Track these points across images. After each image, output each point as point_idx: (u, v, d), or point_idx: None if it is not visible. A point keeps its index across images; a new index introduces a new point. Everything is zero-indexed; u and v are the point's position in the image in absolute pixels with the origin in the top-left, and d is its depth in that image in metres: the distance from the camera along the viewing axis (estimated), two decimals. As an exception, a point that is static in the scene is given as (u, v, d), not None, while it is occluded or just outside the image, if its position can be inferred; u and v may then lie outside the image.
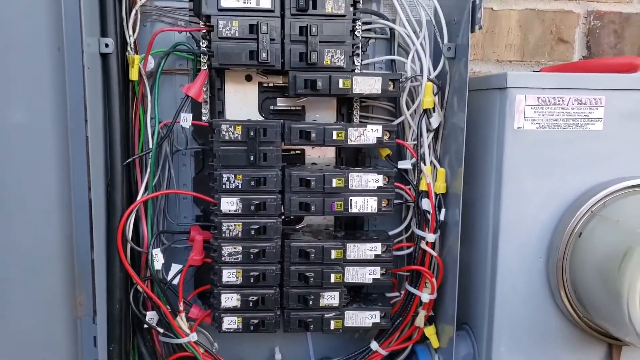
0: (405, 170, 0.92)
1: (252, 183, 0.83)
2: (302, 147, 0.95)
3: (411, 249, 0.94)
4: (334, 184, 0.84)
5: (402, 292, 0.96)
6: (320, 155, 0.97)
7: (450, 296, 0.89)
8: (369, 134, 0.86)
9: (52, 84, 0.78)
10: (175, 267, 0.91)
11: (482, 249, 0.89)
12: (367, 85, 0.85)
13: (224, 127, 0.82)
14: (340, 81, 0.83)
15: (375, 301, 0.94)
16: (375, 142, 0.86)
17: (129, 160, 0.86)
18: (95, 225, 0.81)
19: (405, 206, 0.97)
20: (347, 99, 0.94)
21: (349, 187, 0.86)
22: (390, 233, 0.96)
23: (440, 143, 0.93)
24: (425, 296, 0.90)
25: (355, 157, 0.96)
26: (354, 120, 0.94)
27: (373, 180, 0.86)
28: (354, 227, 0.98)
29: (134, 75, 0.86)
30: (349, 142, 0.85)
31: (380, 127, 0.86)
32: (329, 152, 0.97)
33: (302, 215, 0.91)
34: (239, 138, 0.83)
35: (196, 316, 0.93)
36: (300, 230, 0.94)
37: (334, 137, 0.84)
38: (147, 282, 0.89)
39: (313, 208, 0.84)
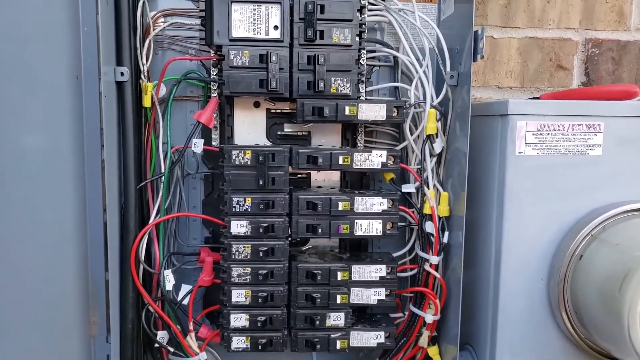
0: (409, 194, 0.95)
1: (261, 206, 0.86)
2: (309, 171, 0.98)
3: (415, 271, 0.96)
4: (339, 207, 0.87)
5: (406, 312, 0.98)
6: (325, 178, 1.00)
7: (453, 317, 0.91)
8: (373, 159, 0.89)
9: (71, 110, 0.81)
10: (185, 288, 0.93)
11: (485, 271, 0.91)
12: (372, 111, 0.88)
13: (234, 152, 0.86)
14: (347, 108, 0.86)
15: (379, 322, 0.95)
16: (380, 166, 0.89)
17: (142, 184, 0.89)
18: (110, 247, 0.84)
19: (409, 229, 0.99)
20: (353, 124, 0.97)
21: (355, 210, 0.89)
22: (395, 255, 0.98)
23: (443, 167, 0.96)
24: (429, 317, 0.92)
25: (360, 181, 0.99)
26: (359, 145, 0.97)
27: (378, 203, 0.89)
28: (358, 249, 1.01)
29: (147, 102, 0.90)
30: (354, 167, 0.88)
31: (384, 152, 0.89)
32: (334, 176, 1.00)
33: (308, 237, 0.93)
34: (249, 163, 0.86)
35: (205, 335, 0.95)
36: (307, 252, 0.97)
37: (340, 161, 0.87)
38: (158, 302, 0.91)
39: (320, 230, 0.87)
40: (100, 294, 0.87)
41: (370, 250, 1.03)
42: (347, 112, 0.86)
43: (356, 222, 0.89)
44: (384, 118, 0.89)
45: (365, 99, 0.92)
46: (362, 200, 0.89)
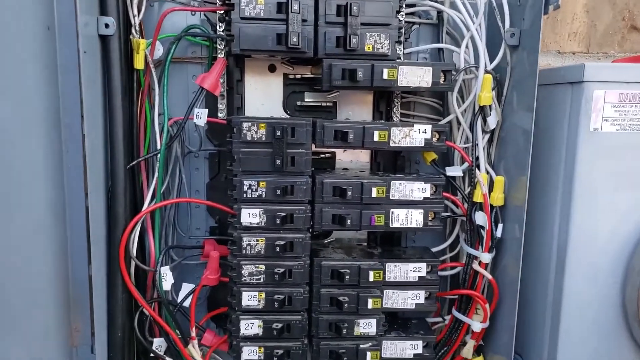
0: (453, 179, 0.79)
1: (278, 191, 0.70)
2: (334, 149, 0.83)
3: (455, 270, 0.82)
4: (373, 194, 0.71)
5: (446, 317, 0.83)
6: (353, 159, 0.84)
7: (505, 325, 0.77)
8: (415, 135, 0.73)
9: (41, 71, 0.65)
10: (186, 287, 0.79)
11: (543, 271, 0.76)
12: (415, 76, 0.72)
13: (245, 125, 0.70)
14: (385, 71, 0.70)
15: (416, 328, 0.81)
16: (422, 144, 0.73)
17: (134, 163, 0.74)
18: (94, 240, 0.69)
19: (451, 220, 0.84)
20: (387, 93, 0.81)
21: (391, 198, 0.73)
22: (433, 250, 0.83)
23: (495, 147, 0.80)
24: (477, 325, 0.77)
25: (393, 162, 0.83)
26: (394, 119, 0.81)
27: (419, 189, 0.73)
28: (390, 242, 0.85)
29: (139, 63, 0.73)
30: (391, 145, 0.72)
31: (429, 127, 0.73)
32: (363, 156, 0.84)
33: (334, 229, 0.78)
34: (263, 138, 0.70)
35: (210, 343, 0.80)
36: (330, 246, 0.82)
37: (375, 138, 0.71)
38: (153, 305, 0.77)
39: (349, 222, 0.71)
40: (83, 296, 0.72)
41: (403, 244, 0.88)
42: (385, 76, 0.70)
43: (392, 212, 0.73)
44: (429, 85, 0.72)
45: (408, 61, 0.76)
46: (399, 186, 0.73)
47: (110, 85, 0.70)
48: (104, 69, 0.70)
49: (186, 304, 0.78)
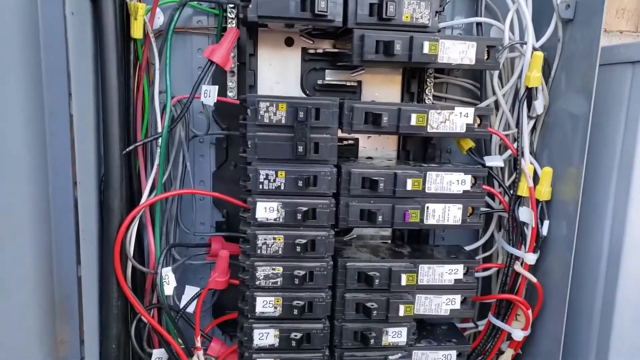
0: (492, 170, 0.71)
1: (300, 183, 0.61)
2: (357, 135, 0.73)
3: (490, 271, 0.73)
4: (408, 186, 0.62)
5: (479, 323, 0.75)
6: (378, 146, 0.75)
7: (549, 333, 0.69)
8: (456, 120, 0.64)
9: (18, 35, 0.54)
10: (190, 290, 0.69)
11: (591, 274, 0.68)
12: (457, 52, 0.62)
13: (263, 105, 0.60)
14: (426, 45, 0.60)
15: (447, 336, 0.72)
16: (464, 130, 0.64)
17: (131, 148, 0.63)
18: (84, 238, 0.59)
19: (484, 216, 0.75)
20: (419, 73, 0.71)
21: (426, 191, 0.64)
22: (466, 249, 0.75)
23: (538, 134, 0.71)
24: (519, 333, 0.69)
25: (423, 151, 0.74)
26: (426, 101, 0.72)
27: (458, 182, 0.65)
28: (417, 240, 0.77)
29: (137, 31, 0.63)
30: (429, 130, 0.63)
31: (471, 111, 0.64)
32: (390, 143, 0.75)
33: (362, 227, 0.68)
34: (283, 121, 0.60)
35: (217, 353, 0.71)
36: (353, 244, 0.72)
37: (412, 122, 0.61)
38: (153, 311, 0.67)
39: (380, 218, 0.62)
40: (71, 301, 0.62)
41: (431, 241, 0.79)
42: (425, 51, 0.60)
43: (427, 207, 0.64)
44: (472, 62, 0.63)
45: (450, 35, 0.66)
46: (436, 178, 0.64)
47: (104, 55, 0.59)
48: (96, 37, 0.60)
49: (190, 309, 0.68)
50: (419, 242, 0.76)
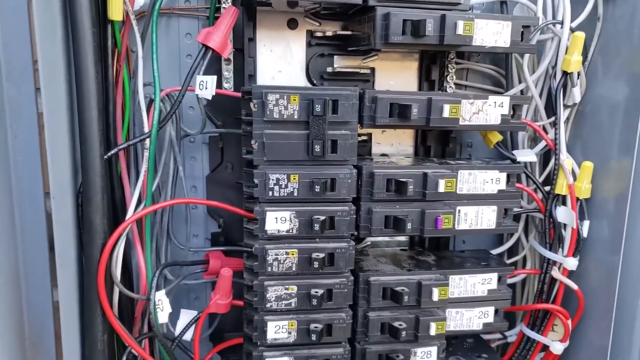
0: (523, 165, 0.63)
1: (317, 187, 0.52)
2: (369, 131, 0.65)
3: (518, 277, 0.66)
4: (440, 188, 0.54)
5: (507, 333, 0.68)
6: (393, 142, 0.66)
7: (591, 345, 0.62)
8: (490, 111, 0.56)
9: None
10: (186, 315, 0.59)
11: (631, 281, 0.62)
12: (491, 33, 0.54)
13: (272, 98, 0.51)
14: (460, 25, 0.52)
15: (476, 351, 0.66)
16: (498, 122, 0.57)
17: (113, 152, 0.53)
18: (62, 261, 0.49)
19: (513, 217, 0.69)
20: (439, 58, 0.64)
21: (458, 192, 0.56)
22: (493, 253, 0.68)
23: (571, 125, 0.64)
24: (558, 346, 0.63)
25: (442, 146, 0.67)
26: (447, 90, 0.64)
27: (493, 180, 0.57)
28: (437, 246, 0.69)
29: (115, 12, 0.53)
30: (461, 123, 0.55)
31: (507, 100, 0.56)
32: (405, 138, 0.67)
33: (388, 236, 0.60)
34: (296, 116, 0.51)
35: (219, 385, 0.62)
36: (370, 254, 0.64)
37: (445, 114, 0.53)
38: (144, 342, 0.57)
39: (409, 226, 0.54)
40: (46, 338, 0.52)
41: (451, 246, 0.72)
42: (459, 31, 0.52)
43: (459, 211, 0.57)
44: (507, 45, 0.56)
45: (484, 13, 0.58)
46: (469, 177, 0.57)
47: (78, 41, 0.49)
48: (66, 18, 0.49)
49: (187, 337, 0.59)
50: (439, 248, 0.68)
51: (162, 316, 0.56)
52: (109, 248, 0.52)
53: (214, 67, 0.61)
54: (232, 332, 0.66)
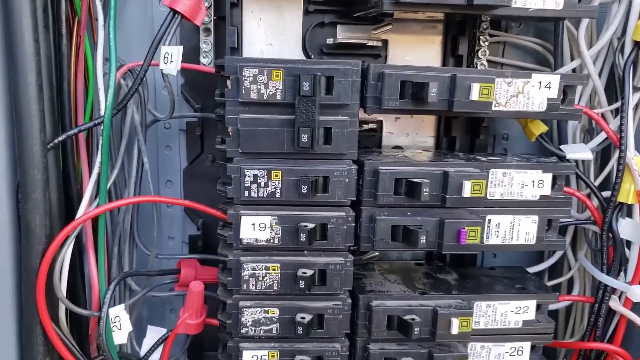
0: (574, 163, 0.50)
1: (304, 188, 0.41)
2: (380, 117, 0.53)
3: (561, 304, 0.54)
4: (465, 192, 0.42)
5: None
6: (409, 131, 0.54)
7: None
8: (533, 93, 0.43)
9: None
10: (153, 333, 0.50)
11: None
12: (535, -7, 0.42)
13: (248, 73, 0.40)
14: (495, -20, 0.39)
15: (506, 392, 0.53)
16: (544, 108, 0.44)
17: (59, 139, 0.44)
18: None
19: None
20: (469, 29, 0.51)
21: (488, 197, 0.44)
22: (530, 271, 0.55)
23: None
24: (614, 395, 0.50)
25: (471, 138, 0.54)
26: (478, 67, 0.51)
27: (534, 183, 0.45)
28: (460, 260, 0.57)
29: (66, -31, 0.43)
30: (494, 108, 0.43)
31: (556, 79, 0.43)
32: (424, 127, 0.55)
33: (394, 250, 0.49)
34: (279, 96, 0.41)
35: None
36: (376, 269, 0.53)
37: (474, 96, 0.41)
38: (100, 366, 0.48)
39: (422, 239, 0.42)
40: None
41: (478, 261, 0.59)
42: (494, -12, 0.40)
43: (489, 221, 0.45)
44: (559, 7, 0.43)
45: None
46: (503, 178, 0.44)
47: (8, 2, 0.39)
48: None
49: (154, 358, 0.50)
50: (463, 263, 0.56)
51: (119, 336, 0.46)
52: (51, 255, 0.43)
53: (192, 39, 0.51)
54: (212, 351, 0.56)
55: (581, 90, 0.51)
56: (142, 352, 0.50)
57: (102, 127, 0.44)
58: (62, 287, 0.44)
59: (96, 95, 0.47)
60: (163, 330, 0.50)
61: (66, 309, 0.45)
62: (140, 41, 0.52)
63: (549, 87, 0.43)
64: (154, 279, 0.51)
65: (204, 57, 0.50)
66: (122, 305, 0.47)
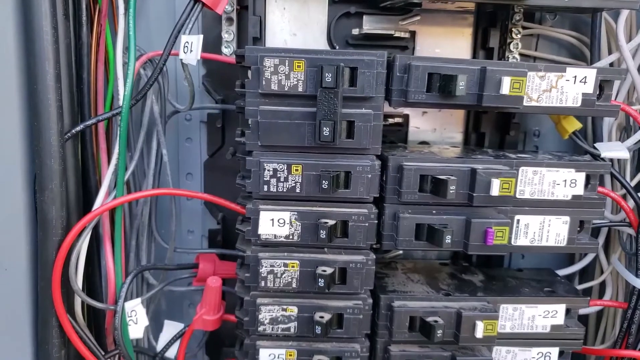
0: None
1: (324, 183, 0.40)
2: (406, 112, 0.52)
3: (588, 309, 0.51)
4: (494, 191, 0.40)
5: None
6: (437, 126, 0.53)
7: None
8: (567, 88, 0.41)
9: None
10: (170, 327, 0.49)
11: None
12: (575, -22, 0.39)
13: (269, 63, 0.39)
14: (533, -35, 0.37)
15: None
16: (579, 103, 0.42)
17: (76, 129, 0.43)
18: (8, 265, 0.40)
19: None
20: (499, 19, 0.49)
21: (517, 196, 0.42)
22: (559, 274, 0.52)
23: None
24: (647, 407, 0.47)
25: (501, 134, 0.52)
26: (509, 61, 0.49)
27: (567, 182, 0.42)
28: (487, 261, 0.55)
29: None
30: (526, 103, 0.41)
31: (592, 73, 0.41)
32: (452, 122, 0.53)
33: (418, 249, 0.47)
34: (300, 88, 0.39)
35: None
36: (399, 268, 0.51)
37: (504, 89, 0.39)
38: (116, 359, 0.47)
39: (448, 239, 0.40)
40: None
41: (505, 262, 0.57)
42: (532, -25, 0.38)
43: (518, 221, 0.43)
44: (602, -5, 0.40)
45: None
46: (534, 176, 0.42)
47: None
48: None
49: (171, 354, 0.49)
50: (489, 263, 0.54)
51: (135, 330, 0.46)
52: (67, 246, 0.42)
53: (214, 29, 0.50)
54: (231, 347, 0.55)
55: (619, 85, 0.49)
56: (159, 347, 0.50)
57: (120, 118, 0.44)
58: (78, 280, 0.43)
59: (116, 86, 0.46)
60: (180, 325, 0.50)
61: (82, 302, 0.45)
62: (162, 31, 0.51)
63: (585, 82, 0.41)
64: (172, 273, 0.50)
65: (225, 47, 0.48)
66: (139, 299, 0.46)
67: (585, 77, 0.41)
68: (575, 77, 0.41)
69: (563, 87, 0.41)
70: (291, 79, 0.39)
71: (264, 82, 0.39)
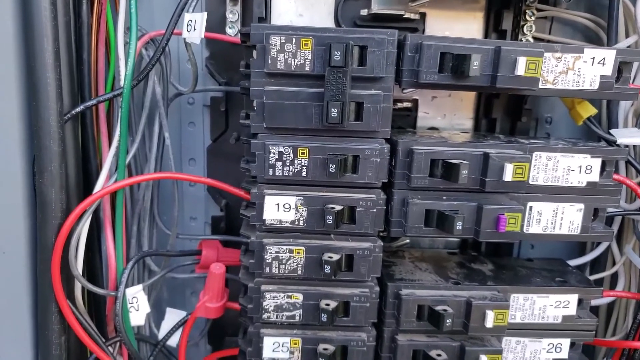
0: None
1: (332, 166, 0.38)
2: (415, 96, 0.50)
3: (600, 301, 0.50)
4: (507, 176, 0.39)
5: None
6: (446, 112, 0.51)
7: None
8: (585, 70, 0.40)
9: None
10: (172, 315, 0.48)
11: None
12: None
13: (275, 41, 0.37)
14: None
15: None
16: (596, 87, 0.40)
17: (76, 110, 0.42)
18: (6, 248, 0.39)
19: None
20: (512, 0, 0.47)
21: (530, 182, 0.41)
22: (571, 264, 0.51)
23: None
24: (659, 399, 0.46)
25: (512, 120, 0.51)
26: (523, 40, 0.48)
27: (582, 168, 0.41)
28: (496, 250, 0.53)
29: None
30: (541, 86, 0.39)
31: (611, 55, 0.39)
32: (462, 107, 0.51)
33: (427, 236, 0.46)
34: (307, 67, 0.38)
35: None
36: (407, 257, 0.50)
37: (519, 70, 0.37)
38: (117, 347, 0.46)
39: (459, 226, 0.39)
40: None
41: (515, 250, 0.56)
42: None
43: (530, 208, 0.41)
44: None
45: None
46: (547, 162, 0.41)
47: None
48: None
49: (173, 342, 0.48)
50: (499, 253, 0.53)
51: (137, 317, 0.45)
52: (66, 230, 0.41)
53: (218, 8, 0.48)
54: (233, 336, 0.54)
55: (635, 69, 0.47)
56: (161, 335, 0.49)
57: (121, 99, 0.42)
58: (79, 265, 0.42)
59: (117, 67, 0.45)
60: (182, 313, 0.49)
61: (83, 288, 0.44)
62: (165, 10, 0.50)
63: (603, 64, 0.40)
64: (174, 259, 0.49)
65: (229, 28, 0.47)
66: (140, 286, 0.45)
67: (604, 58, 0.40)
68: (594, 58, 0.39)
69: (580, 69, 0.40)
70: (298, 58, 0.38)
71: (269, 61, 0.38)
